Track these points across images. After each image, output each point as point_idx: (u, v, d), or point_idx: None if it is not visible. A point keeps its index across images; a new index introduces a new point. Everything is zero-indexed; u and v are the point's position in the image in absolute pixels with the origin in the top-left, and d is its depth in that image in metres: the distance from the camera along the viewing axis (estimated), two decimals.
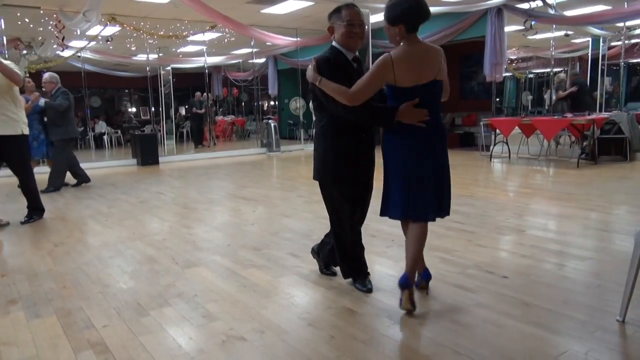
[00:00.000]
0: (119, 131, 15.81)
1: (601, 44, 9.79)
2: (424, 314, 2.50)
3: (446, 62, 2.56)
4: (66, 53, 10.82)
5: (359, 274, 2.89)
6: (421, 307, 2.58)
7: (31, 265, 3.56)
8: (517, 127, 8.72)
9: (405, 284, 2.50)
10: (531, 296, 2.66)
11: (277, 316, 2.54)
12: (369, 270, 2.93)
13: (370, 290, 2.80)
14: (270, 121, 12.34)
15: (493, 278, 2.96)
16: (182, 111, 15.12)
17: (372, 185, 2.88)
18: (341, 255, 2.88)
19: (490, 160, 8.96)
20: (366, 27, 7.65)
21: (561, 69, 11.20)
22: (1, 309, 2.76)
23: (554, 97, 9.90)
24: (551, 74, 10.22)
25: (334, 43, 2.72)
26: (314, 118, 3.15)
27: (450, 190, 2.64)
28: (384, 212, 2.69)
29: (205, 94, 13.47)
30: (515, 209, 4.87)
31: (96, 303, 2.80)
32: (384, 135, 2.65)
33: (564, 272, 3.04)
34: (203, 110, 13.20)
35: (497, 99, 11.64)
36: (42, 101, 6.79)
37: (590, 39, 9.96)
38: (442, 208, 2.61)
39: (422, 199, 2.53)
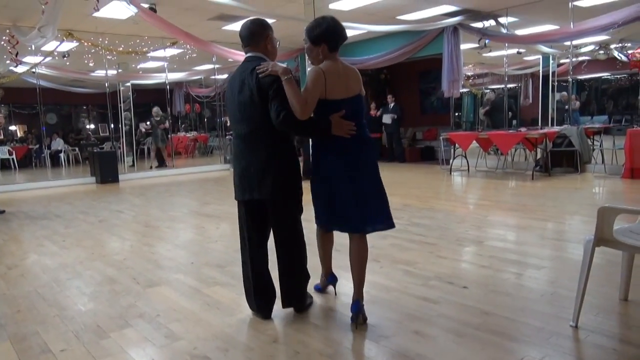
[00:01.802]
0: (77, 148, 15.36)
1: (551, 61, 10.26)
2: (388, 326, 2.54)
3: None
4: (20, 69, 10.47)
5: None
6: (384, 319, 2.62)
7: None
8: (474, 141, 9.01)
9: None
10: (490, 305, 2.75)
11: (242, 333, 2.53)
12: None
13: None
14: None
15: (454, 289, 3.04)
16: (142, 127, 14.78)
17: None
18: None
19: (450, 173, 9.20)
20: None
21: (515, 85, 11.67)
22: None
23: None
24: (505, 89, 10.63)
25: (259, 54, 2.62)
26: None
27: (381, 201, 2.61)
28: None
29: (155, 109, 12.70)
30: (474, 221, 5.01)
31: (53, 327, 2.70)
32: (317, 147, 2.66)
33: (521, 281, 3.15)
34: (149, 126, 12.62)
35: (456, 114, 11.99)
36: None
37: (540, 56, 10.43)
38: (371, 220, 2.58)
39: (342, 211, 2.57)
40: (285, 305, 2.72)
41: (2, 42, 8.86)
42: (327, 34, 2.52)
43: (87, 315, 2.86)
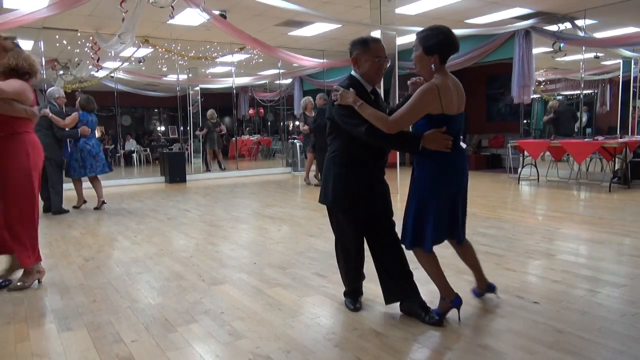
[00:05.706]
0: (148, 149, 16.16)
1: (632, 66, 9.63)
2: (453, 338, 2.46)
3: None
4: (100, 73, 11.17)
5: (352, 293, 2.95)
6: (450, 330, 2.54)
7: (63, 279, 3.64)
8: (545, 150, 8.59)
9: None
10: (564, 323, 2.59)
11: (303, 336, 2.53)
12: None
13: (356, 309, 2.85)
14: (295, 141, 12.42)
15: (523, 303, 2.90)
16: (198, 132, 15.14)
17: (391, 211, 2.84)
18: (343, 272, 2.97)
19: (518, 182, 8.82)
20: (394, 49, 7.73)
21: (591, 91, 11.04)
22: (35, 321, 2.83)
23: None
24: (581, 96, 10.08)
25: (354, 73, 2.71)
26: None
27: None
28: (419, 244, 2.63)
29: (210, 111, 12.37)
30: (544, 233, 4.77)
31: (125, 318, 2.84)
32: (420, 165, 2.63)
33: (597, 299, 2.95)
34: (204, 131, 12.19)
35: (525, 121, 11.51)
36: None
37: (621, 61, 9.82)
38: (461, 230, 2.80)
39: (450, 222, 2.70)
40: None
41: (86, 49, 9.50)
42: (440, 45, 2.50)
43: (156, 308, 2.98)
